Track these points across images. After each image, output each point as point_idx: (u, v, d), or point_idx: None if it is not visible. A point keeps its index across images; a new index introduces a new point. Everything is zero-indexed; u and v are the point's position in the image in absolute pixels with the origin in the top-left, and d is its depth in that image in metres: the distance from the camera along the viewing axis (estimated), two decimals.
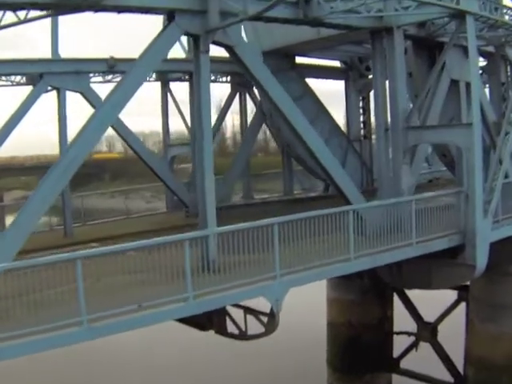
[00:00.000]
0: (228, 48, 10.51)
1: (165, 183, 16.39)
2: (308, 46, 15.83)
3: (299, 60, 17.85)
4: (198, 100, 10.16)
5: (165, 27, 9.94)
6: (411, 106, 13.70)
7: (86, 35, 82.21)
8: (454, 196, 11.91)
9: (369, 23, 12.23)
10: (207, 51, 10.09)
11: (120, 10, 9.59)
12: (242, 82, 17.98)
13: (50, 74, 14.37)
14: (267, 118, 17.11)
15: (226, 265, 9.16)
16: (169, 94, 17.98)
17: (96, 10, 9.52)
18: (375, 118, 12.86)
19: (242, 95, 18.83)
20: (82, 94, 14.79)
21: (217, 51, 10.75)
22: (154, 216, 17.29)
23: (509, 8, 13.15)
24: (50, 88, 14.68)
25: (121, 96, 9.55)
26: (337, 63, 19.41)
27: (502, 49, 14.38)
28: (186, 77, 17.30)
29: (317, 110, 17.71)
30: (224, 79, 18.45)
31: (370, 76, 17.24)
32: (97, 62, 15.09)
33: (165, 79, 17.86)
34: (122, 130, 15.49)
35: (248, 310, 9.84)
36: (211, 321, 10.16)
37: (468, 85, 13.36)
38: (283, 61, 16.90)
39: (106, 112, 9.57)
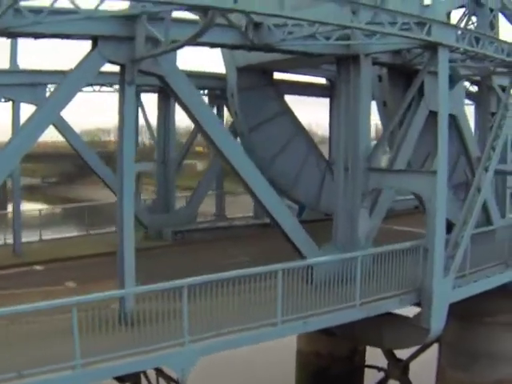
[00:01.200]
0: (159, 77, 9.50)
1: None
2: (283, 65, 14.62)
3: (281, 76, 16.73)
4: (121, 135, 9.22)
5: (86, 55, 8.95)
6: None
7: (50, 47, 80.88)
8: (411, 249, 10.63)
9: (331, 50, 11.01)
10: (133, 82, 9.12)
11: (36, 36, 8.63)
12: (219, 95, 17.13)
13: (3, 86, 13.68)
14: (239, 136, 16.03)
15: (141, 316, 8.24)
16: (139, 108, 17.09)
17: (8, 37, 8.64)
18: (334, 155, 11.66)
19: (220, 107, 17.91)
20: (37, 106, 13.93)
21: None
22: (115, 234, 16.37)
23: (493, 38, 11.76)
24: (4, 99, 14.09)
25: (41, 120, 8.88)
26: (323, 80, 18.22)
27: (489, 79, 12.99)
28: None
29: (294, 129, 16.65)
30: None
31: None
32: (54, 74, 14.15)
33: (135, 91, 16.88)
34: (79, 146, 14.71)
35: (159, 373, 8.91)
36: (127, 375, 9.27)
37: (451, 117, 12.20)
38: (260, 77, 15.84)
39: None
